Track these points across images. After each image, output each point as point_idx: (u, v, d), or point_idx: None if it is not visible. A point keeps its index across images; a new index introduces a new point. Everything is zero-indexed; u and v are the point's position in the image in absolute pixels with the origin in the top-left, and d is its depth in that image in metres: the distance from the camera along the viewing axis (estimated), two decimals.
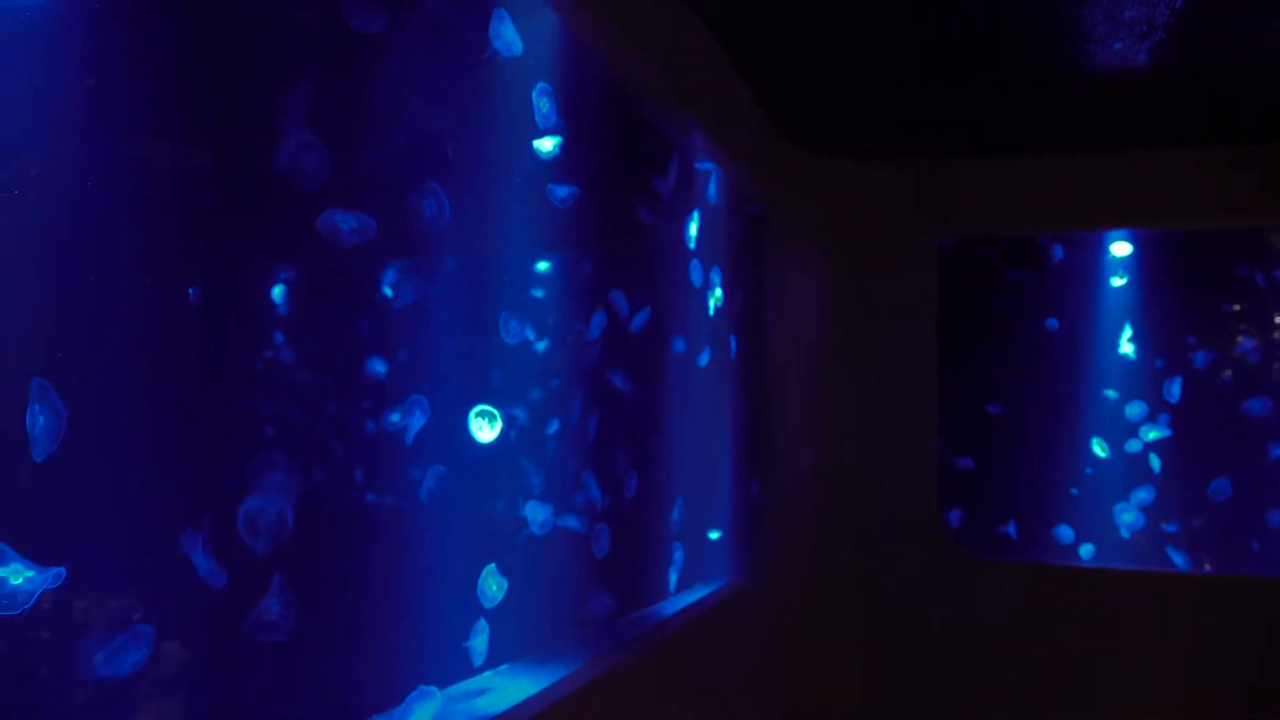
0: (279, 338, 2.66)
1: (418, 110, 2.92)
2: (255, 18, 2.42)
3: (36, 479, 1.68)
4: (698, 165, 4.89)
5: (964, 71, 4.94)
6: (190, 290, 2.29)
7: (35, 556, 1.65)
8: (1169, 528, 6.95)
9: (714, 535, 5.28)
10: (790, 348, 6.04)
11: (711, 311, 5.20)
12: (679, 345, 4.79)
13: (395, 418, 2.82)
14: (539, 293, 3.71)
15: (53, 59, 1.79)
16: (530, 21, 3.18)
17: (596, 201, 3.82)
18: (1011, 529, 6.98)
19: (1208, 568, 6.87)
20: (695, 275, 4.84)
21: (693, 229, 4.88)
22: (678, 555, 4.73)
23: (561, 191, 3.48)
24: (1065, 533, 6.94)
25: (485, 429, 3.04)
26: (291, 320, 2.70)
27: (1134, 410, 6.98)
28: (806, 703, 6.12)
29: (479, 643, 3.00)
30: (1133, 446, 7.01)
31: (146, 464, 2.01)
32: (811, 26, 4.44)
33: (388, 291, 2.86)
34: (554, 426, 3.73)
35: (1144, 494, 6.95)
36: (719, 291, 5.25)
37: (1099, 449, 7.02)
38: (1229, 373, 7.11)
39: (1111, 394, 7.09)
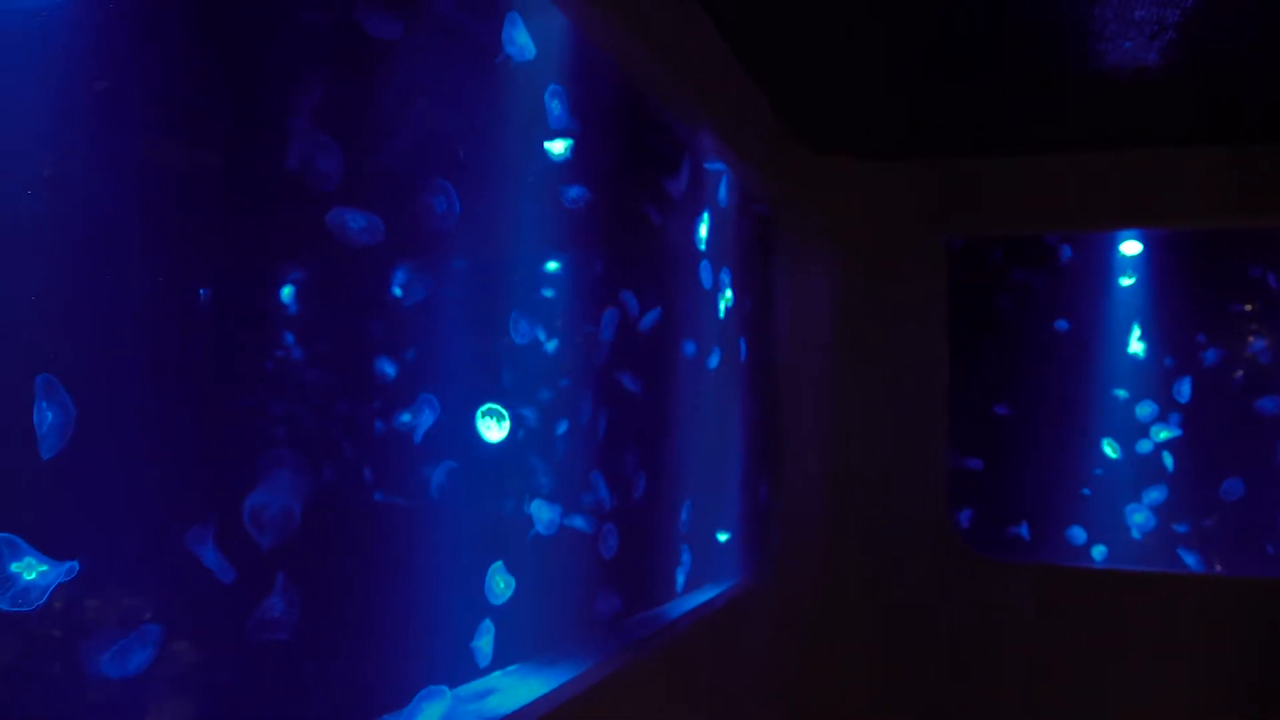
0: (289, 337, 2.67)
1: (429, 112, 2.93)
2: (269, 22, 2.43)
3: (45, 476, 1.68)
4: (707, 166, 4.89)
5: (973, 71, 4.93)
6: (202, 290, 2.30)
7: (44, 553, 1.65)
8: (1180, 528, 6.92)
9: (723, 537, 5.28)
10: (799, 348, 6.03)
11: (722, 313, 5.20)
12: (689, 347, 4.79)
13: (406, 418, 2.83)
14: (549, 293, 3.71)
15: (67, 61, 1.80)
16: (541, 22, 3.18)
17: (607, 202, 3.82)
18: (1024, 530, 6.96)
19: (1219, 569, 6.84)
20: (705, 276, 4.84)
21: (703, 230, 4.88)
22: (685, 556, 4.73)
23: (572, 192, 3.49)
24: (1078, 534, 6.92)
25: (494, 428, 3.04)
26: (302, 319, 2.70)
27: (1144, 410, 6.96)
28: (815, 703, 6.11)
29: (484, 643, 3.00)
30: (1143, 447, 6.99)
31: (154, 461, 2.02)
32: (820, 26, 4.43)
33: (397, 292, 2.86)
34: (563, 427, 3.73)
35: (1155, 494, 6.92)
36: (729, 293, 5.25)
37: (1110, 450, 6.99)
38: (1240, 373, 7.08)
39: (1122, 393, 7.06)
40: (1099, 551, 6.94)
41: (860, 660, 6.22)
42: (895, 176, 6.32)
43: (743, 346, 5.55)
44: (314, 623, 2.33)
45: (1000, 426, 7.11)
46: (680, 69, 4.00)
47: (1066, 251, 7.19)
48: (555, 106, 3.31)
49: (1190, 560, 6.83)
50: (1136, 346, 7.03)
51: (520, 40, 3.06)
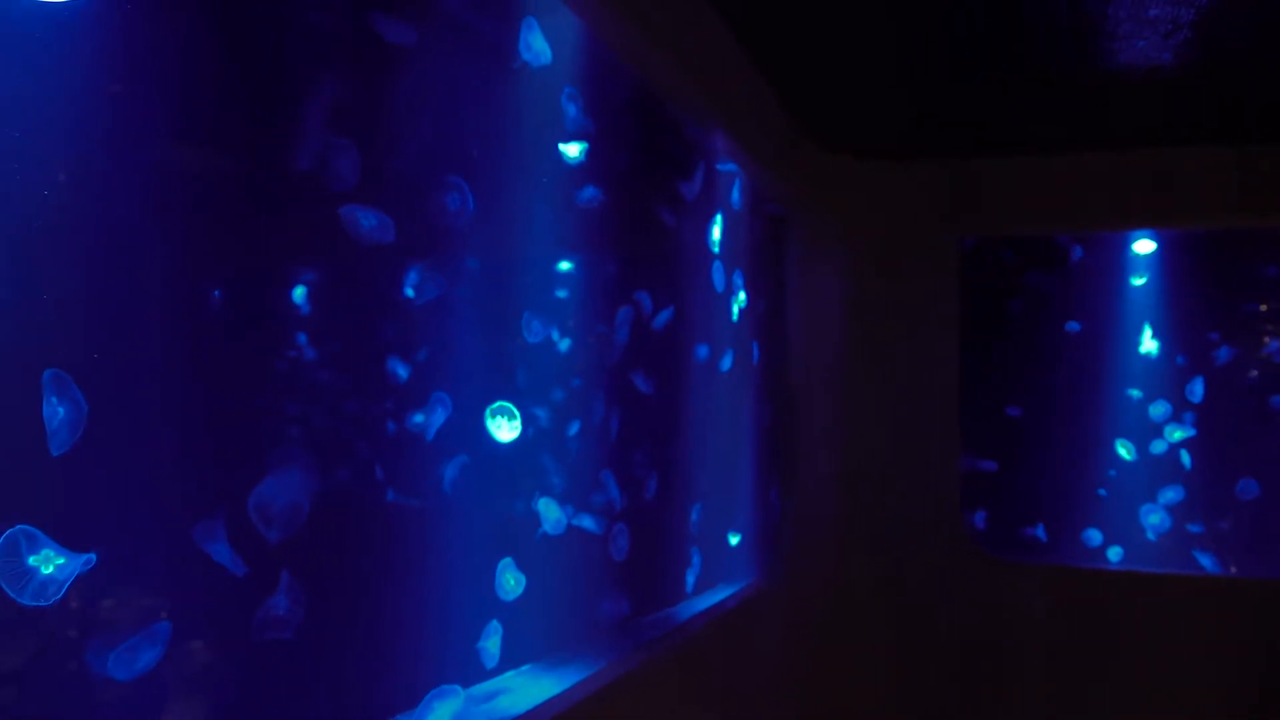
0: (302, 337, 2.68)
1: (445, 115, 2.94)
2: (288, 29, 2.44)
3: (57, 471, 1.69)
4: (720, 167, 4.89)
5: (985, 70, 4.91)
6: (217, 289, 2.31)
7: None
8: (1195, 528, 6.88)
9: (734, 538, 5.27)
10: (811, 349, 6.02)
11: (735, 316, 5.20)
12: (702, 349, 4.79)
13: (419, 418, 2.83)
14: (562, 293, 3.72)
15: (84, 64, 1.81)
16: (555, 25, 3.20)
17: (621, 203, 3.83)
18: (1040, 532, 6.93)
19: (1233, 570, 6.80)
20: (718, 278, 4.83)
21: (716, 232, 4.88)
22: (696, 557, 4.73)
23: (586, 193, 3.50)
24: (1094, 535, 6.88)
25: (505, 428, 3.04)
26: (315, 317, 2.71)
27: (1158, 410, 6.92)
28: (827, 704, 6.09)
29: (492, 644, 3.00)
30: (1158, 447, 6.95)
31: (165, 458, 2.03)
32: (832, 25, 4.42)
33: (409, 292, 2.87)
34: (575, 426, 3.73)
35: (1170, 494, 6.88)
36: (742, 295, 5.25)
37: (1124, 451, 6.96)
38: (1254, 372, 7.03)
39: (1135, 393, 7.03)
40: (1115, 553, 6.91)
41: (872, 661, 6.21)
42: (907, 176, 6.30)
43: (755, 350, 5.55)
44: (321, 621, 2.34)
45: (1013, 427, 7.09)
46: (693, 70, 4.00)
47: (1078, 251, 7.16)
48: (570, 109, 3.32)
49: (1206, 562, 6.79)
50: (1150, 345, 6.99)
51: (536, 45, 3.08)
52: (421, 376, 2.88)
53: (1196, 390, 6.81)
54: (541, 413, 3.49)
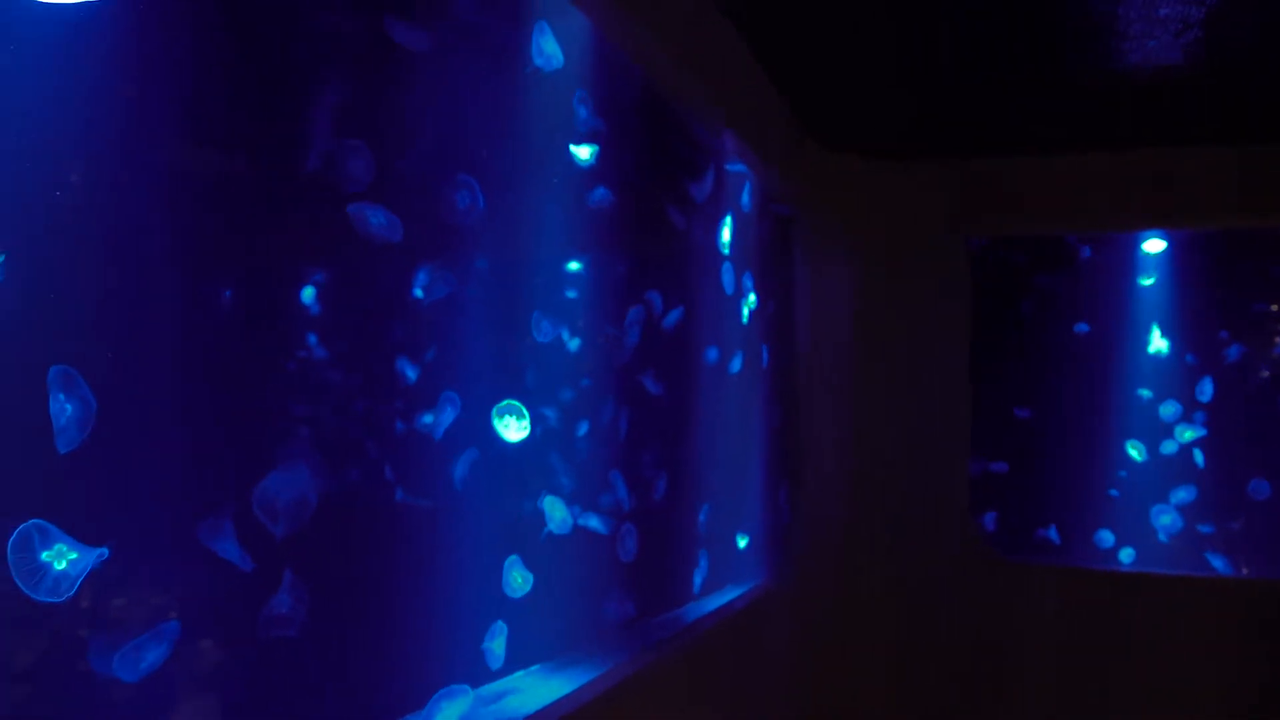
0: (312, 337, 2.69)
1: (456, 117, 2.95)
2: (304, 35, 2.46)
3: (64, 468, 1.69)
4: (728, 167, 4.89)
5: (993, 70, 4.90)
6: (228, 290, 2.32)
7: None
8: (1206, 529, 6.84)
9: (743, 539, 5.27)
10: (820, 350, 6.01)
11: (745, 318, 5.20)
12: (712, 351, 4.79)
13: (428, 419, 2.84)
14: (572, 293, 3.72)
15: (98, 66, 1.82)
16: (566, 26, 3.21)
17: (630, 204, 3.83)
18: (1053, 533, 6.90)
19: (1244, 572, 6.76)
20: (728, 280, 4.83)
21: (725, 234, 4.88)
22: (703, 559, 4.73)
23: (596, 193, 3.51)
24: (1106, 537, 6.85)
25: (514, 427, 3.04)
26: (325, 315, 2.72)
27: (1168, 410, 6.89)
28: (835, 706, 6.08)
29: (497, 645, 2.99)
30: (1168, 448, 6.92)
31: (173, 456, 2.03)
32: (841, 26, 4.42)
33: (419, 293, 2.87)
34: (584, 427, 3.73)
35: (1182, 494, 6.85)
36: (752, 297, 5.25)
37: (1134, 452, 6.93)
38: (1265, 372, 7.00)
39: (1145, 393, 7.00)
40: (1127, 554, 6.88)
41: (881, 663, 6.19)
42: (915, 177, 6.29)
43: (764, 352, 5.55)
44: (328, 621, 2.34)
45: (1023, 429, 7.06)
46: (701, 70, 4.01)
47: (1086, 251, 7.14)
48: (581, 111, 3.33)
49: (1218, 563, 6.75)
50: (1160, 343, 6.96)
51: (549, 50, 3.09)
52: (431, 376, 2.88)
53: (1206, 390, 6.78)
54: (551, 413, 3.49)
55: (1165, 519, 6.84)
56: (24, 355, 1.68)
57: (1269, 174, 5.71)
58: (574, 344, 3.63)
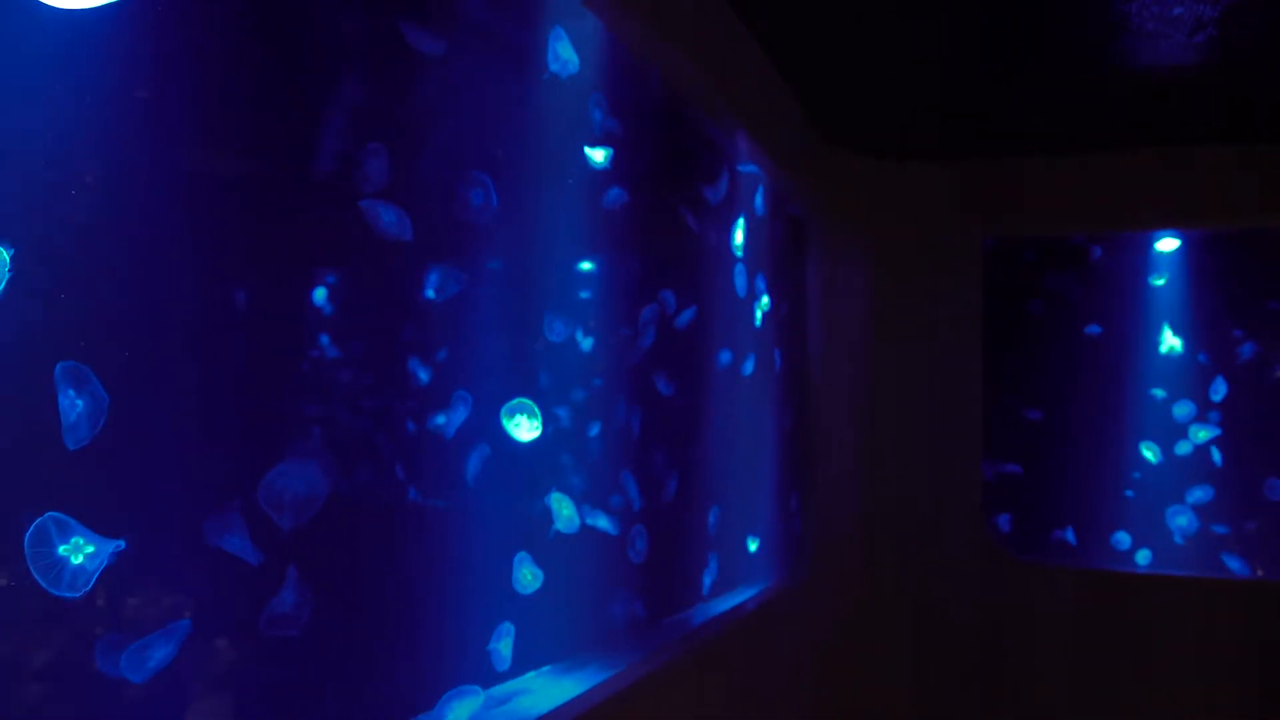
0: (324, 337, 2.70)
1: (472, 119, 2.96)
2: (327, 39, 2.47)
3: (75, 464, 1.70)
4: (742, 169, 4.89)
5: (1005, 70, 4.89)
6: (243, 290, 2.33)
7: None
8: (1220, 529, 6.80)
9: (754, 542, 5.26)
10: (832, 351, 6.01)
11: (758, 321, 5.19)
12: (725, 354, 4.79)
13: (440, 419, 2.84)
14: (585, 294, 3.73)
15: (117, 67, 1.84)
16: (581, 30, 3.22)
17: (645, 206, 3.84)
18: (1069, 535, 6.86)
19: (1260, 573, 6.71)
20: (741, 283, 4.83)
21: (739, 236, 4.88)
22: (713, 561, 4.72)
23: (610, 194, 3.52)
24: (1122, 538, 6.82)
25: (525, 427, 3.04)
26: (339, 314, 2.73)
27: (1182, 410, 6.85)
28: (848, 708, 6.06)
29: (503, 646, 2.99)
30: (1183, 448, 6.88)
31: (184, 453, 2.04)
32: (853, 27, 4.42)
33: (430, 294, 2.88)
34: (596, 427, 3.74)
35: (1198, 494, 6.80)
36: (765, 299, 5.24)
37: (1148, 453, 6.89)
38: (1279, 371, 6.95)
39: (1159, 393, 6.96)
40: (1143, 556, 6.83)
41: (894, 665, 6.17)
42: (926, 177, 6.28)
43: (777, 355, 5.54)
44: (334, 619, 2.34)
45: (1036, 430, 7.03)
46: (714, 71, 4.01)
47: (1097, 251, 7.10)
48: (596, 114, 3.34)
49: (1234, 565, 6.70)
50: (1173, 342, 6.92)
51: (565, 55, 3.11)
52: (443, 375, 2.89)
53: (1220, 389, 6.74)
54: (562, 412, 3.50)
55: (1181, 520, 6.79)
56: (39, 352, 1.69)
57: None
58: (587, 344, 3.63)
